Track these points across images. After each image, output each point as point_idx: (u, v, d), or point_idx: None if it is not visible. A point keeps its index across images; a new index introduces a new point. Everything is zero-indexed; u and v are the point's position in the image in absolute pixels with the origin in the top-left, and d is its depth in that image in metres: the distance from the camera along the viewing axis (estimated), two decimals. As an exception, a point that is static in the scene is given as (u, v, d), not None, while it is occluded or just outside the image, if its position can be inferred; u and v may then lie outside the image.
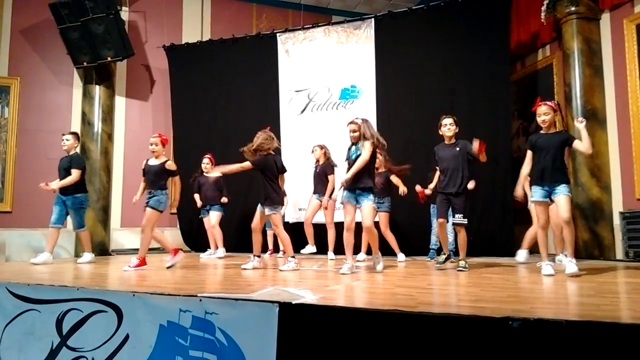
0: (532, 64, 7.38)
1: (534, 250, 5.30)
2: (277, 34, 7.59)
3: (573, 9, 6.09)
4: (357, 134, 4.24)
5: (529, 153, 4.18)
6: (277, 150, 4.97)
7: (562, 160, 4.02)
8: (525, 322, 1.87)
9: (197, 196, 6.65)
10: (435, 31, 6.73)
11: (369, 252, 5.01)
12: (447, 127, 4.55)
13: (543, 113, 4.08)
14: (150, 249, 5.01)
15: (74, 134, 5.85)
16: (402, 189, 5.44)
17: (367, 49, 7.01)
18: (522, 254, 5.15)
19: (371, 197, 4.20)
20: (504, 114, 6.34)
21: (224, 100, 7.83)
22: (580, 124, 4.05)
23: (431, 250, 5.85)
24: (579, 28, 6.09)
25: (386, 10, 7.40)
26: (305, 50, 7.42)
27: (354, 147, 4.30)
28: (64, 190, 5.50)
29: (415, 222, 6.23)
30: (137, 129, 8.11)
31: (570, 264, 3.80)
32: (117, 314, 2.78)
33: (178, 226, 7.98)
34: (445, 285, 3.46)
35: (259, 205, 4.66)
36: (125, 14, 8.12)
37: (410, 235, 6.19)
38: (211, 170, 6.58)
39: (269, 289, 3.05)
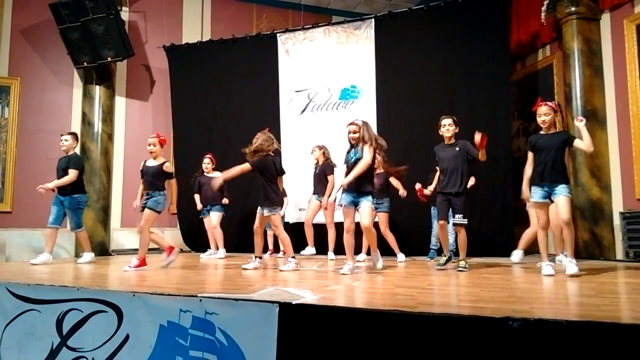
0: (532, 64, 7.38)
1: (531, 251, 5.32)
2: (277, 34, 7.59)
3: (573, 9, 6.09)
4: (357, 135, 4.24)
5: (530, 154, 4.18)
6: (277, 152, 4.97)
7: (562, 160, 4.02)
8: (525, 322, 1.87)
9: (197, 197, 6.66)
10: (436, 31, 6.74)
11: (369, 252, 5.01)
12: (446, 127, 4.56)
13: (543, 113, 4.08)
14: (150, 249, 5.01)
15: (73, 134, 5.84)
16: (402, 192, 5.46)
17: (367, 49, 7.01)
18: (516, 254, 5.17)
19: (370, 198, 4.22)
20: (504, 114, 6.34)
21: (224, 100, 7.83)
22: (579, 123, 4.06)
23: (431, 250, 5.85)
24: (579, 28, 6.09)
25: (386, 10, 7.41)
26: (306, 51, 7.42)
27: (352, 150, 4.31)
28: (62, 190, 5.49)
29: (415, 222, 6.23)
30: (137, 129, 8.11)
31: (570, 265, 3.80)
32: (117, 314, 2.78)
33: (178, 226, 7.98)
34: (446, 286, 3.46)
35: (259, 207, 4.67)
36: (125, 14, 8.13)
37: (410, 235, 6.19)
38: (212, 172, 6.60)
39: (269, 289, 3.05)
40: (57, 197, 5.53)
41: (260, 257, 4.77)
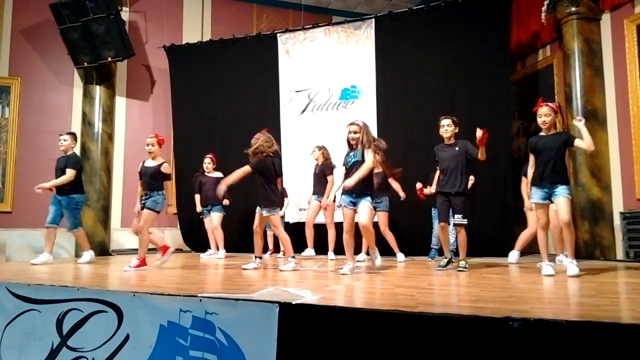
0: (533, 64, 7.38)
1: (529, 251, 5.33)
2: (278, 34, 7.59)
3: (573, 9, 6.09)
4: (358, 135, 4.25)
5: (532, 157, 4.17)
6: (277, 153, 4.98)
7: (562, 162, 4.01)
8: (525, 322, 1.87)
9: (197, 197, 6.66)
10: (436, 31, 6.73)
11: (369, 252, 5.01)
12: (445, 128, 4.56)
13: (544, 114, 4.07)
14: (150, 250, 5.01)
15: (72, 134, 5.83)
16: (402, 195, 5.49)
17: (368, 49, 7.01)
18: (513, 255, 5.19)
19: (369, 198, 4.24)
20: (504, 114, 6.33)
21: (224, 100, 7.83)
22: (579, 123, 4.06)
23: (432, 250, 5.85)
24: (580, 28, 6.09)
25: (386, 10, 7.40)
26: (306, 51, 7.42)
27: (352, 153, 4.32)
28: (60, 190, 5.48)
29: (415, 222, 6.23)
30: (137, 129, 8.11)
31: (571, 265, 3.80)
32: (117, 314, 2.78)
33: (178, 226, 7.98)
34: (446, 286, 3.46)
35: (258, 208, 4.68)
36: (125, 14, 8.13)
37: (410, 235, 6.19)
38: (213, 172, 6.61)
39: (269, 289, 3.05)
40: (55, 196, 5.53)
41: (260, 257, 4.77)
